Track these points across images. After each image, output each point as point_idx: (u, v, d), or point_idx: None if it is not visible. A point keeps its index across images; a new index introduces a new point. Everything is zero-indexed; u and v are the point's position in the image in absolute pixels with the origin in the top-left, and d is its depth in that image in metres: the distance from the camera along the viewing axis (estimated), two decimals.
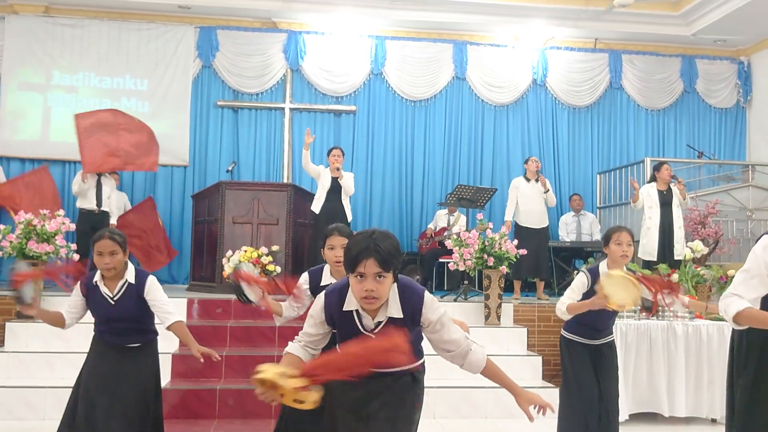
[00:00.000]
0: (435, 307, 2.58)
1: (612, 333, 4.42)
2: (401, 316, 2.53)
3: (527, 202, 8.44)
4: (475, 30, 10.85)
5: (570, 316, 4.16)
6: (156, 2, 10.05)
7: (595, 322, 4.23)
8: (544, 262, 8.27)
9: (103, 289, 3.70)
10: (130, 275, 3.74)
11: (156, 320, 3.85)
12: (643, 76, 11.24)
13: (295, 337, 2.72)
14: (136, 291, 3.71)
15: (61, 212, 6.83)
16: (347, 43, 10.65)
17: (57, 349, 6.06)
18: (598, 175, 11.01)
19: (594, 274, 4.15)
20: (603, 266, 4.21)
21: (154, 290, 3.75)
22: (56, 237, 6.56)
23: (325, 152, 8.43)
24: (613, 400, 4.32)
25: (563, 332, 4.43)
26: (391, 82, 10.80)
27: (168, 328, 3.76)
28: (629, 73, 11.23)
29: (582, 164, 11.14)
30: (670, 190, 8.14)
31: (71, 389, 3.84)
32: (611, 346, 4.41)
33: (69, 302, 3.81)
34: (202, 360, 3.70)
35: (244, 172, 10.36)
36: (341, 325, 2.59)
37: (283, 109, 10.60)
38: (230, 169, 9.67)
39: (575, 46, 11.17)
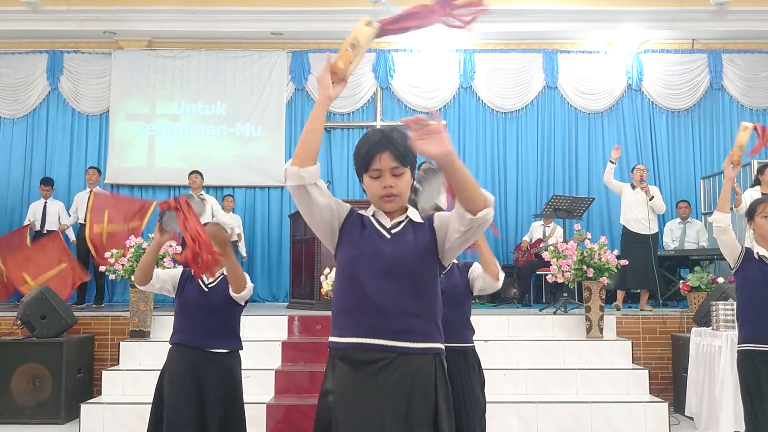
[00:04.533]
0: None
1: None
2: (421, 221, 2.30)
3: (632, 210, 8.25)
4: (565, 38, 10.68)
5: (727, 218, 3.86)
6: (250, 30, 10.43)
7: None
8: (650, 271, 7.96)
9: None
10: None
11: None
12: (746, 75, 10.74)
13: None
14: (228, 284, 3.80)
15: None
16: (435, 59, 10.70)
17: None
18: (701, 180, 10.56)
19: (747, 250, 3.88)
20: (756, 247, 3.88)
21: None
22: (164, 259, 6.85)
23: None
24: None
25: (738, 347, 3.85)
26: (480, 94, 10.77)
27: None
28: (730, 73, 10.76)
29: (684, 169, 10.74)
30: None
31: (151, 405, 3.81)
32: None
33: (165, 270, 3.90)
34: None
35: (338, 191, 10.53)
36: (356, 228, 2.27)
37: (374, 126, 10.73)
38: None
39: (671, 47, 10.81)
